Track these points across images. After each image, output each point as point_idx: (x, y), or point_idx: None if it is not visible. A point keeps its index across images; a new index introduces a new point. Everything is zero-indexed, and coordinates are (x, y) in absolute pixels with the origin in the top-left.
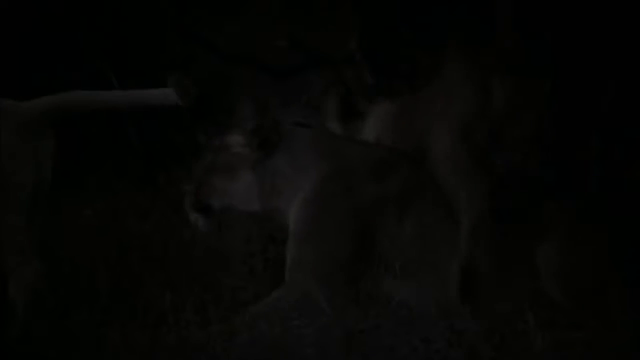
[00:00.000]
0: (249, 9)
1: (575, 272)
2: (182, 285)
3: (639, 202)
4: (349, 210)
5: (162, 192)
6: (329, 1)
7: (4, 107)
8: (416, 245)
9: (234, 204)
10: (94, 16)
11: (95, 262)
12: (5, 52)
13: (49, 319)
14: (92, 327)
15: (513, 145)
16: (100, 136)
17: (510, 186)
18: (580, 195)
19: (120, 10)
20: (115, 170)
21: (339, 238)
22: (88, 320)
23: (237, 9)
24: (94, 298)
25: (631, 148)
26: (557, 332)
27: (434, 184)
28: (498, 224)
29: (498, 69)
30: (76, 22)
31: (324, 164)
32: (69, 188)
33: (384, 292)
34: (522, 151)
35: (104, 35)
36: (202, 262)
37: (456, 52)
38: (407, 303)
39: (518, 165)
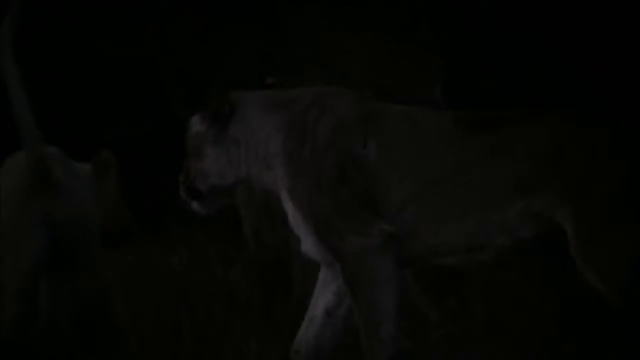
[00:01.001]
0: (333, 54)
1: (611, 254)
2: (267, 334)
3: None
4: (315, 152)
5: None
6: (415, 47)
7: None
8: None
9: (214, 182)
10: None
11: (181, 309)
12: None
13: None
14: None
15: None
16: None
17: None
18: None
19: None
20: (201, 220)
21: (320, 184)
22: None
23: (321, 56)
24: (178, 344)
25: None
26: None
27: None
28: None
29: None
30: None
31: (275, 118)
32: (158, 236)
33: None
34: None
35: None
36: (287, 311)
37: None
38: None
39: None
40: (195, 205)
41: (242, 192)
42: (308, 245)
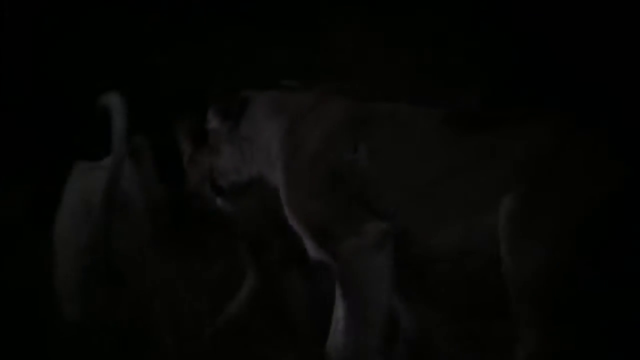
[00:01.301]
0: (375, 64)
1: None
2: (306, 345)
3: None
4: (308, 159)
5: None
6: (454, 58)
7: None
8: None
9: (232, 179)
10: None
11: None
12: None
13: None
14: None
15: None
16: None
17: None
18: None
19: None
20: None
21: (314, 191)
22: None
23: (363, 67)
24: (215, 353)
25: None
26: None
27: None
28: None
29: None
30: None
31: (276, 122)
32: (197, 245)
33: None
34: None
35: None
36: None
37: None
38: None
39: None
40: (219, 201)
41: None
42: (308, 247)
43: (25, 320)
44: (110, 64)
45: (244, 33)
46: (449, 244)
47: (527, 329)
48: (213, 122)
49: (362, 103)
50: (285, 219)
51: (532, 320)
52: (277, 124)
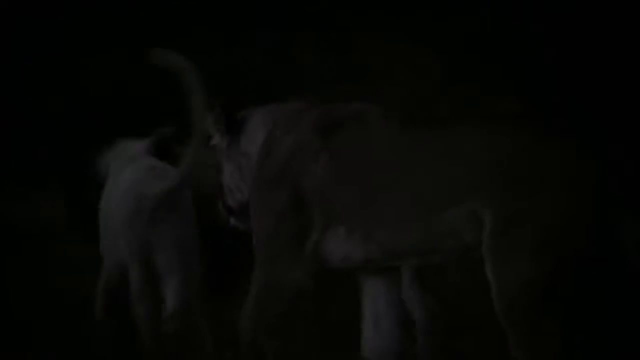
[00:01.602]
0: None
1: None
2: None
3: None
4: (275, 173)
5: None
6: (492, 66)
7: None
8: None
9: (237, 197)
10: None
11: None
12: None
13: None
14: None
15: None
16: None
17: None
18: None
19: None
20: None
21: (270, 208)
22: None
23: (400, 71)
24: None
25: None
26: None
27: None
28: None
29: None
30: None
31: (263, 134)
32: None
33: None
34: None
35: None
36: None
37: None
38: None
39: None
40: (232, 220)
41: None
42: None
43: (63, 321)
44: (112, 65)
45: (246, 35)
46: (412, 242)
47: (518, 342)
48: (216, 139)
49: (331, 108)
50: None
51: (523, 333)
52: (261, 137)
